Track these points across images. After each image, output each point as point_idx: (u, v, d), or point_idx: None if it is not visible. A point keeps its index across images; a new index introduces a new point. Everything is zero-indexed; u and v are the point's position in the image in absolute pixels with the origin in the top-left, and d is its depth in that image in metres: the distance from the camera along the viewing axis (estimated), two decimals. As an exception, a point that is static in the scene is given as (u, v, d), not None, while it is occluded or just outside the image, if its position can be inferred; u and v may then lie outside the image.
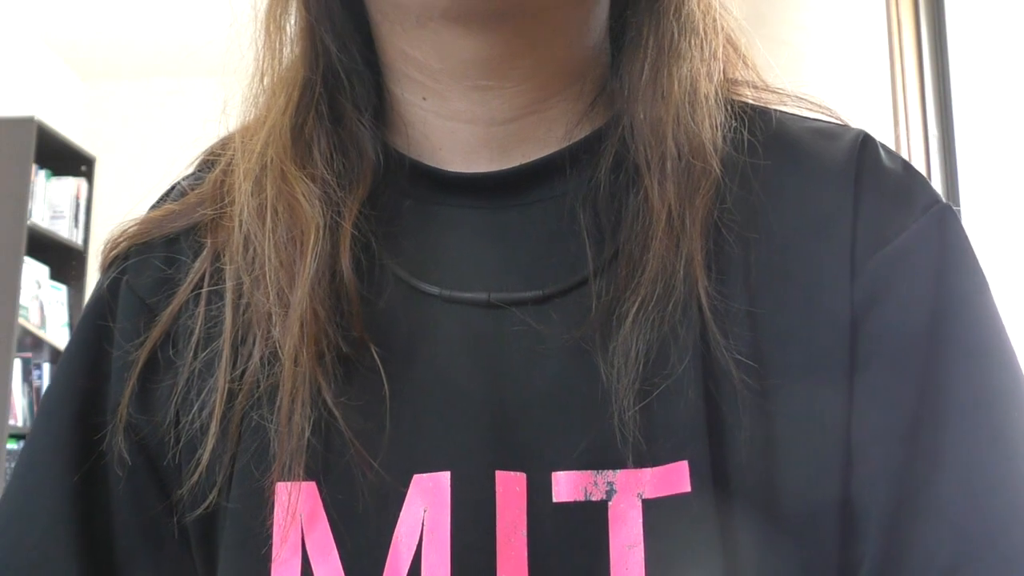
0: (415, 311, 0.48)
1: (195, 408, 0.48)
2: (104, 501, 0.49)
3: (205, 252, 0.51)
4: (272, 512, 0.45)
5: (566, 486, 0.44)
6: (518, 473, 0.45)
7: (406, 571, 0.44)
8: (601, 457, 0.44)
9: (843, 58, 2.80)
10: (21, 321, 3.44)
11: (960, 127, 2.34)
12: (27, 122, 3.55)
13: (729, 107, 0.49)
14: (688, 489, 0.43)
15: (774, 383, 0.45)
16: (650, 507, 0.44)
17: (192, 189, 0.54)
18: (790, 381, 0.45)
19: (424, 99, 0.50)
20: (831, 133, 0.51)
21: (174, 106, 4.38)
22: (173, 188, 0.56)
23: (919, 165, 2.33)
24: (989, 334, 0.45)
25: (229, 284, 0.49)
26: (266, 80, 0.52)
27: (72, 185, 3.86)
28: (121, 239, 0.53)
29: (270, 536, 0.45)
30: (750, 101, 0.52)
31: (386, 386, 0.46)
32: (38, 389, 3.65)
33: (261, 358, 0.47)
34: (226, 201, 0.51)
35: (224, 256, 0.50)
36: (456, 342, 0.47)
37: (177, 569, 0.49)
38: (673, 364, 0.45)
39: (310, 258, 0.47)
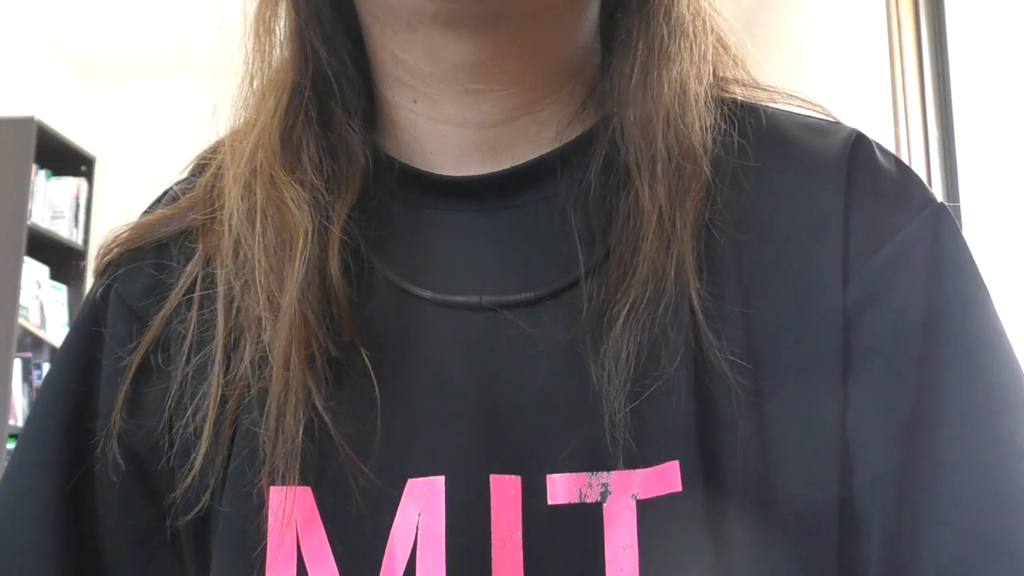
0: (407, 315, 0.48)
1: (188, 412, 0.48)
2: (93, 505, 0.49)
3: (196, 257, 0.51)
4: (265, 515, 0.45)
5: (561, 488, 0.44)
6: (512, 476, 0.44)
7: (401, 575, 0.44)
8: (595, 459, 0.44)
9: (843, 58, 2.80)
10: (21, 321, 3.44)
11: (960, 127, 2.34)
12: (27, 122, 3.54)
13: (719, 106, 0.49)
14: (679, 489, 0.43)
15: (769, 383, 0.45)
16: (644, 508, 0.44)
17: (184, 193, 0.54)
18: (785, 381, 0.45)
19: (414, 102, 0.50)
20: (822, 129, 0.51)
21: (174, 106, 4.37)
22: (166, 193, 0.56)
23: (919, 165, 2.33)
24: (986, 332, 0.45)
25: (221, 288, 0.49)
26: (255, 83, 0.51)
27: (72, 185, 3.86)
28: (113, 244, 0.53)
29: (263, 539, 0.45)
30: (740, 98, 0.51)
31: (377, 390, 0.46)
32: (38, 389, 3.64)
33: (252, 362, 0.47)
34: (217, 205, 0.51)
35: (215, 260, 0.50)
36: (448, 345, 0.47)
37: (167, 573, 0.49)
38: (664, 365, 0.45)
39: (299, 262, 0.46)
